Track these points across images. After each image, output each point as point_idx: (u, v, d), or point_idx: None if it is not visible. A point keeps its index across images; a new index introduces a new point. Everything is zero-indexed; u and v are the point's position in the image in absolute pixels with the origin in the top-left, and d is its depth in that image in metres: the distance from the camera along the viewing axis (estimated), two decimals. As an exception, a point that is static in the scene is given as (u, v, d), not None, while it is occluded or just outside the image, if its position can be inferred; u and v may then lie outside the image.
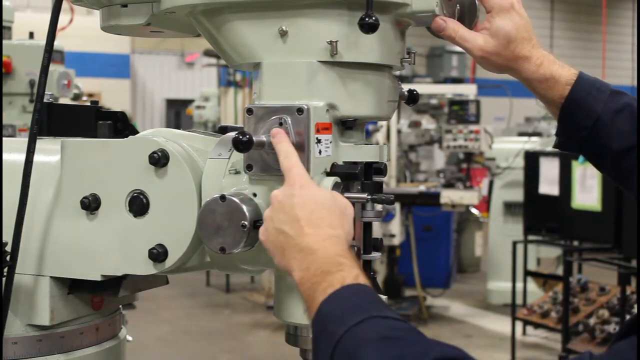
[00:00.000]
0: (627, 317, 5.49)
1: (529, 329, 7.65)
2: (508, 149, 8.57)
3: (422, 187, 8.14)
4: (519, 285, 7.20)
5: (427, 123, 9.05)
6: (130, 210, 1.43)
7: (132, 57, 19.97)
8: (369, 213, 1.38)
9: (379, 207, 1.39)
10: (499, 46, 1.47)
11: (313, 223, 1.23)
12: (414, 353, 1.08)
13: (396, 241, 7.82)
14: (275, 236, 1.26)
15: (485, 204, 9.21)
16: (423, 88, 8.30)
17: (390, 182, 8.03)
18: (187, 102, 15.73)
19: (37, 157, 1.46)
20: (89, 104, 1.70)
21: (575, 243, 6.98)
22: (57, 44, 4.21)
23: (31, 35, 6.08)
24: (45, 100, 1.58)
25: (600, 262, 5.89)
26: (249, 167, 1.35)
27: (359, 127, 1.44)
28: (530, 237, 7.44)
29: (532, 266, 7.67)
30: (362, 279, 1.19)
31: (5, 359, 1.48)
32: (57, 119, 1.65)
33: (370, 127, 7.76)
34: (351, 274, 1.19)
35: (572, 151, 1.56)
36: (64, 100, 5.95)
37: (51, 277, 1.49)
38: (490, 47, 1.47)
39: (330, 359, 1.12)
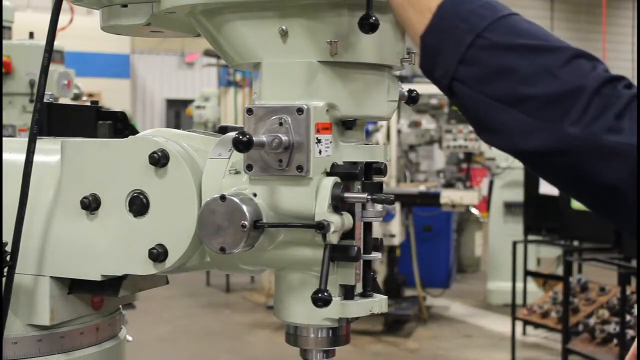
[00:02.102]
0: (627, 317, 5.50)
1: (529, 329, 7.66)
2: (508, 149, 8.55)
3: (422, 187, 8.15)
4: (519, 285, 7.21)
5: (427, 123, 9.05)
6: (130, 210, 1.43)
7: (132, 57, 19.99)
8: (369, 213, 1.38)
9: (379, 207, 1.39)
10: None
11: None
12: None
13: (396, 241, 7.82)
14: None
15: (485, 204, 9.22)
16: (423, 88, 8.27)
17: (390, 182, 8.03)
18: (187, 102, 15.74)
19: (37, 157, 1.45)
20: (89, 104, 1.70)
21: (575, 243, 6.98)
22: (57, 44, 4.21)
23: (31, 35, 6.08)
24: (45, 100, 1.58)
25: (600, 262, 5.90)
26: (249, 167, 1.35)
27: (359, 127, 1.44)
28: (530, 237, 7.45)
29: (532, 266, 7.68)
30: None
31: (5, 359, 1.48)
32: (57, 119, 1.65)
33: (370, 127, 7.76)
34: None
35: None
36: (64, 100, 5.95)
37: (51, 277, 1.49)
38: None
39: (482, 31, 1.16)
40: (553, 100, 1.10)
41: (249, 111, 1.34)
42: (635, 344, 1.79)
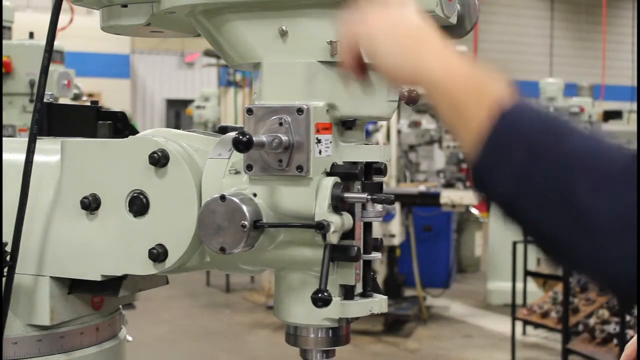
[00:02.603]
0: (627, 317, 5.50)
1: (529, 329, 7.65)
2: (508, 148, 8.54)
3: (422, 187, 8.15)
4: (519, 285, 7.20)
5: (427, 123, 9.07)
6: (130, 210, 1.43)
7: (132, 57, 19.98)
8: (369, 213, 1.38)
9: (379, 207, 1.39)
10: None
11: None
12: None
13: (396, 241, 7.82)
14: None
15: (485, 204, 9.20)
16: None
17: (390, 182, 8.04)
18: (187, 102, 15.73)
19: (37, 157, 1.45)
20: (89, 104, 1.70)
21: (576, 243, 6.97)
22: (57, 44, 4.21)
23: (31, 35, 6.08)
24: (45, 100, 1.58)
25: (600, 262, 5.88)
26: (249, 167, 1.35)
27: (359, 127, 1.44)
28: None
29: (532, 266, 7.67)
30: None
31: (6, 359, 1.48)
32: (57, 119, 1.65)
33: (370, 127, 7.76)
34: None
35: None
36: (64, 100, 5.95)
37: (51, 277, 1.49)
38: None
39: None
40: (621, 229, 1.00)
41: (249, 111, 1.35)
42: (629, 345, 1.78)
